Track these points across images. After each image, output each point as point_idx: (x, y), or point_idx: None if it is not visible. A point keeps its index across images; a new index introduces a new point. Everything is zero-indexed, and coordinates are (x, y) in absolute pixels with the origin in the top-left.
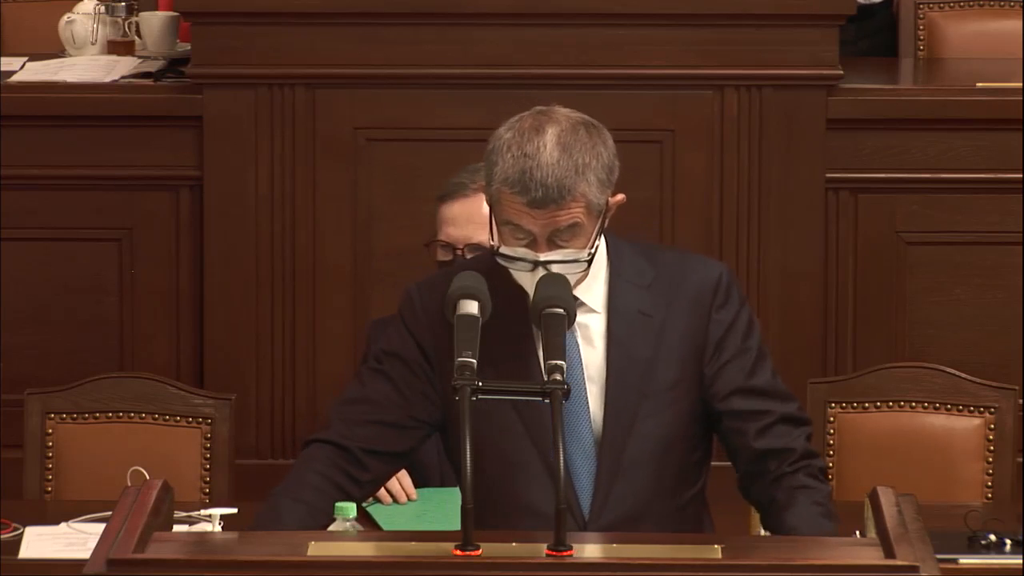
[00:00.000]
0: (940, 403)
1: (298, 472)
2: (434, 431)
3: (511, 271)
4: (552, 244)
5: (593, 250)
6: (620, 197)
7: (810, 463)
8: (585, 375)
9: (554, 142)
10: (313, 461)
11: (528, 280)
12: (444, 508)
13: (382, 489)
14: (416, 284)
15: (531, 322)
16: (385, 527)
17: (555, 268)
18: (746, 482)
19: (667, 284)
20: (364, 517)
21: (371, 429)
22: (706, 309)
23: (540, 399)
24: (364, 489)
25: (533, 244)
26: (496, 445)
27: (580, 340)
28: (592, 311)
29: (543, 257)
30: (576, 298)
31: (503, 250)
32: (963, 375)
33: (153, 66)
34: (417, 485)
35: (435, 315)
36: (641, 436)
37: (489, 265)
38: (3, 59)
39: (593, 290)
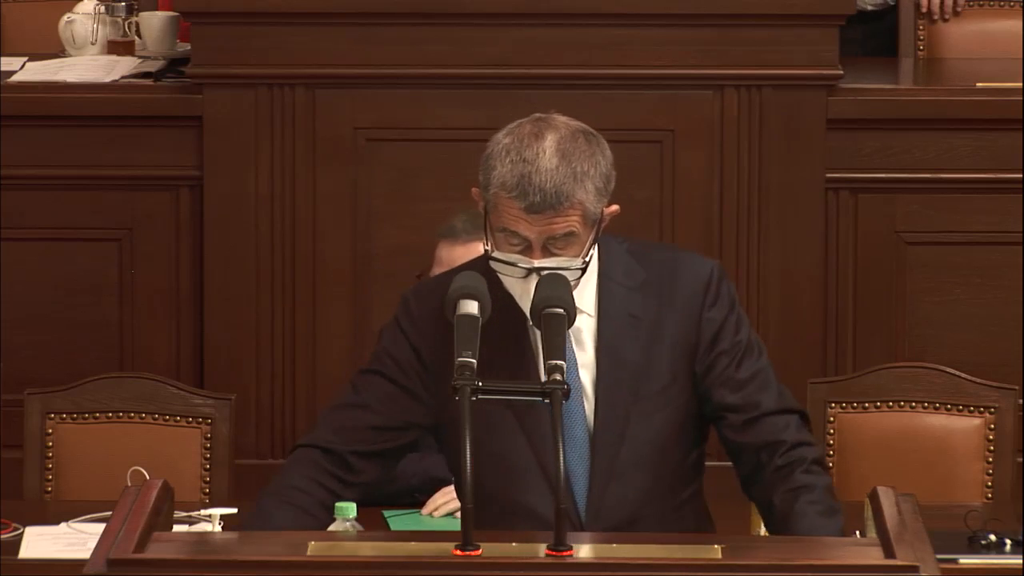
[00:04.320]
0: (940, 403)
1: (285, 476)
2: (426, 433)
3: (501, 277)
4: (547, 251)
5: (588, 259)
6: (615, 208)
7: (803, 455)
8: (579, 378)
9: (553, 149)
10: (299, 465)
11: (518, 287)
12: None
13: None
14: (412, 289)
15: (531, 322)
16: None
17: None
18: (746, 480)
19: (657, 284)
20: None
21: (360, 432)
22: (697, 308)
23: (540, 399)
24: (354, 490)
25: (527, 251)
26: (493, 448)
27: (573, 343)
28: (583, 314)
29: (537, 264)
30: None
31: (496, 255)
32: (963, 375)
33: (153, 66)
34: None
35: (431, 320)
36: (635, 439)
37: (482, 270)
38: (3, 59)
39: (584, 293)
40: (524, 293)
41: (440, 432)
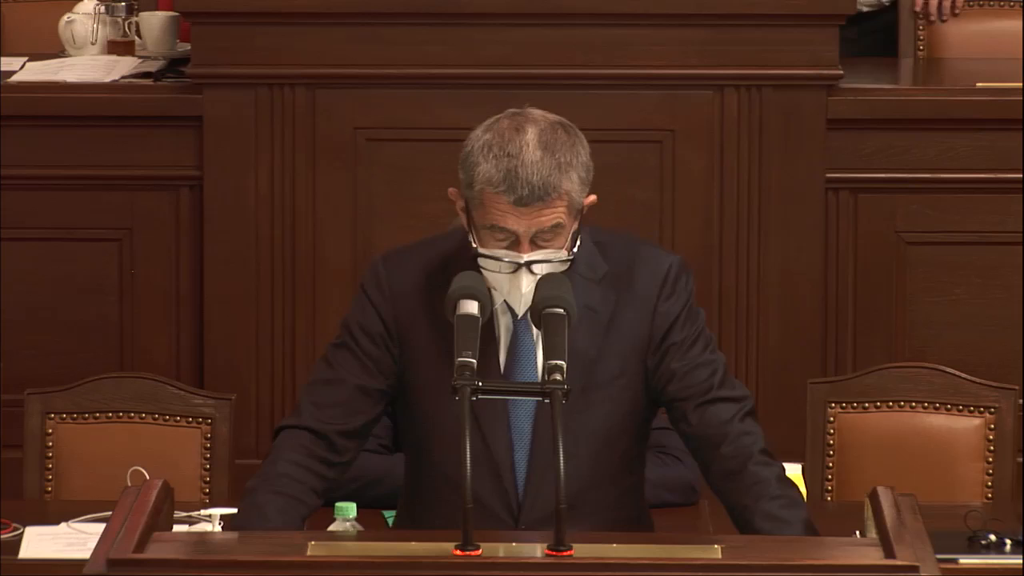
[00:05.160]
0: (940, 403)
1: (273, 463)
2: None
3: (487, 273)
4: (534, 245)
5: (575, 249)
6: (593, 198)
7: (749, 446)
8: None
9: (535, 141)
10: (287, 450)
11: (505, 282)
12: None
13: None
14: (382, 256)
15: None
16: None
17: (537, 268)
18: (702, 470)
19: (617, 278)
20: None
21: (341, 409)
22: (652, 302)
23: (540, 399)
24: (340, 470)
25: (515, 245)
26: (447, 432)
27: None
28: None
29: (526, 257)
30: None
31: (483, 251)
32: (963, 375)
33: (153, 66)
34: None
35: (400, 287)
36: (579, 429)
37: (456, 247)
38: (3, 59)
39: None
40: (513, 288)
41: (398, 399)
